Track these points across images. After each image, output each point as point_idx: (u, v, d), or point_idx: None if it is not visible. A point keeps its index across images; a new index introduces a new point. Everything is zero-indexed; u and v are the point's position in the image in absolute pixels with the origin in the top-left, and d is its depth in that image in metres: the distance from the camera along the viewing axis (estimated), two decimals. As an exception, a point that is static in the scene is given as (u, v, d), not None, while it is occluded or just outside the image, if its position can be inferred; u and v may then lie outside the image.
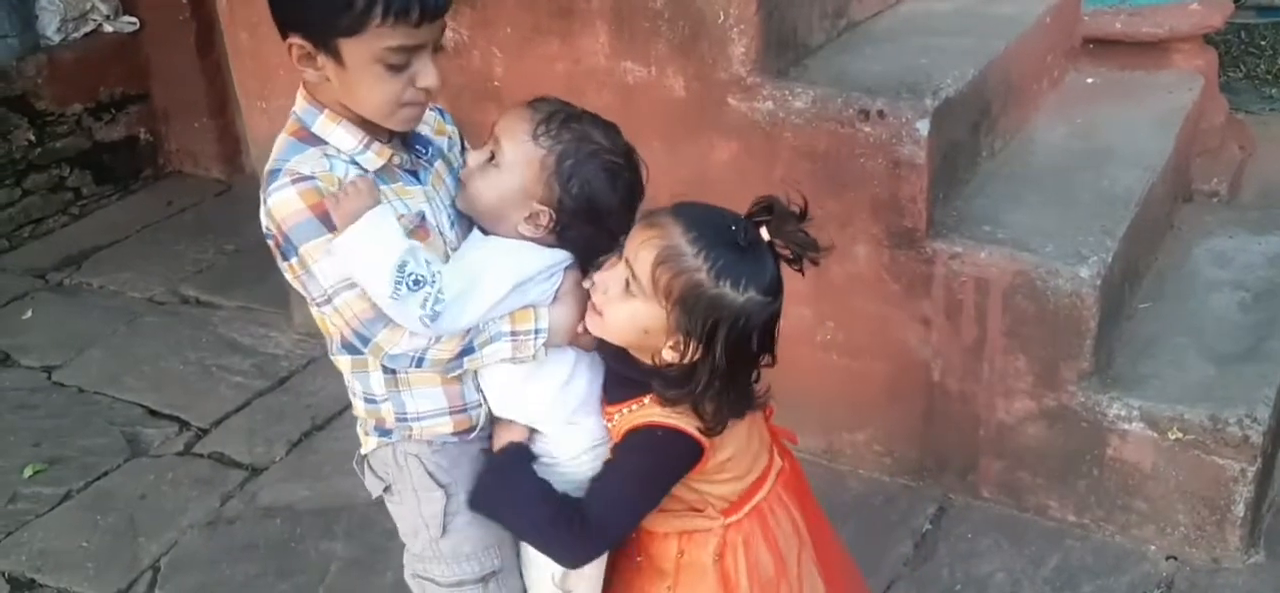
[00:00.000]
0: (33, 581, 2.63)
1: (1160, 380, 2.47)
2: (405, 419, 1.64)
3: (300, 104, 1.55)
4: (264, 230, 1.54)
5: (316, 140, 1.53)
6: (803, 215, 1.54)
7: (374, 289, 1.46)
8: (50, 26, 4.33)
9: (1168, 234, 2.99)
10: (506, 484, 1.64)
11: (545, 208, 1.56)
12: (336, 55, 1.46)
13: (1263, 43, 4.94)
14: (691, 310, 1.47)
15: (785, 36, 2.56)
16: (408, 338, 1.52)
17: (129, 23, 4.52)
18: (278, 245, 1.52)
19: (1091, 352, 2.42)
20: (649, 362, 1.56)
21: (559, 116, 1.56)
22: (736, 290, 1.47)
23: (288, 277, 1.57)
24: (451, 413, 1.64)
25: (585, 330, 1.60)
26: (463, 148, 1.73)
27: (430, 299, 1.47)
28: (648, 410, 1.56)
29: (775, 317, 1.54)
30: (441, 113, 1.74)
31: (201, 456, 3.01)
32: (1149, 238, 2.82)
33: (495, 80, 2.80)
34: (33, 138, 4.25)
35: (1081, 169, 2.76)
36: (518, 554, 1.75)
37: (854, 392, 2.68)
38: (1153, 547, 2.50)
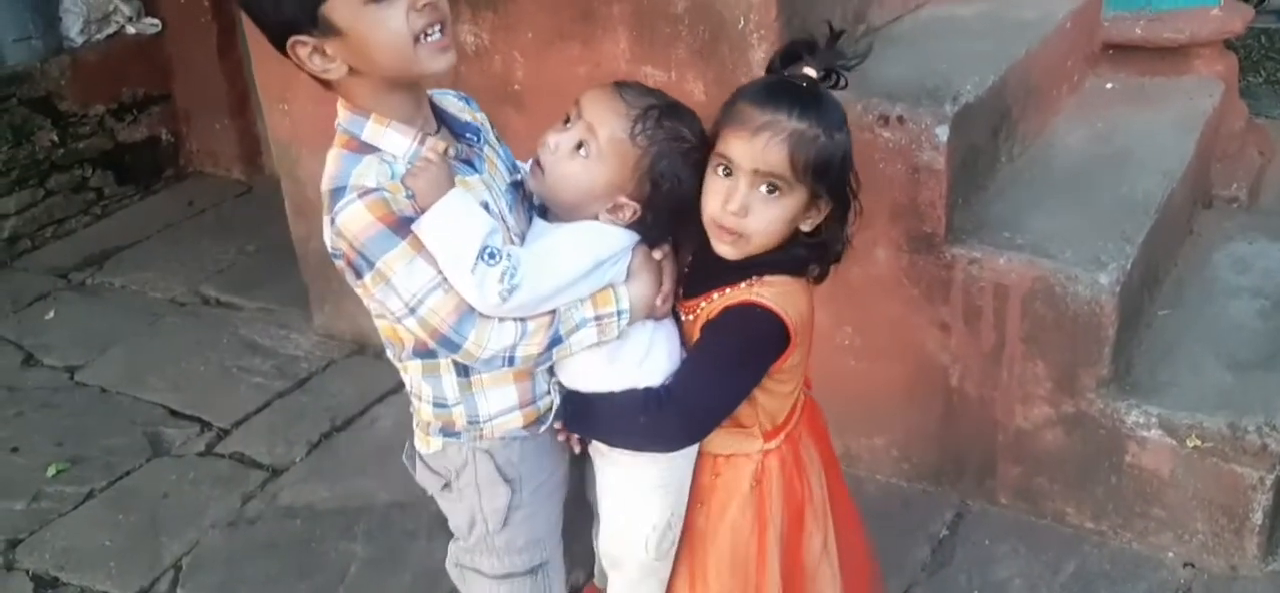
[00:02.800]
0: (56, 579, 2.65)
1: (1179, 387, 2.46)
2: (477, 421, 1.65)
3: (344, 116, 1.54)
4: (331, 251, 1.52)
5: (369, 148, 1.51)
6: (835, 36, 1.60)
7: (456, 266, 1.45)
8: (73, 28, 4.38)
9: (1187, 240, 2.99)
10: (585, 402, 1.67)
11: (633, 203, 1.56)
12: (330, 27, 1.44)
13: (1284, 47, 4.92)
14: (826, 173, 1.54)
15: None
16: (496, 336, 1.51)
17: (151, 24, 4.56)
18: (350, 264, 1.50)
19: (1110, 358, 2.41)
20: (781, 245, 1.59)
21: (655, 113, 1.56)
22: (836, 135, 1.55)
23: (362, 296, 1.56)
24: (521, 407, 1.65)
25: (664, 300, 1.62)
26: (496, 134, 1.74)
27: (507, 273, 1.47)
28: (746, 291, 1.59)
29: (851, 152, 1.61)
30: (467, 100, 1.72)
31: (222, 455, 3.04)
32: (1168, 244, 2.81)
33: (516, 84, 2.82)
34: (56, 139, 4.29)
35: (1101, 174, 2.76)
36: (564, 550, 1.77)
37: (872, 396, 2.69)
38: (1170, 554, 2.49)
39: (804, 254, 1.61)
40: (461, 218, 1.47)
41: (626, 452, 1.68)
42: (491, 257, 1.46)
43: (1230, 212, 3.21)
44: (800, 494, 1.75)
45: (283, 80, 3.20)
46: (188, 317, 3.72)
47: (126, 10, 4.50)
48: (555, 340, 1.55)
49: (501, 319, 1.50)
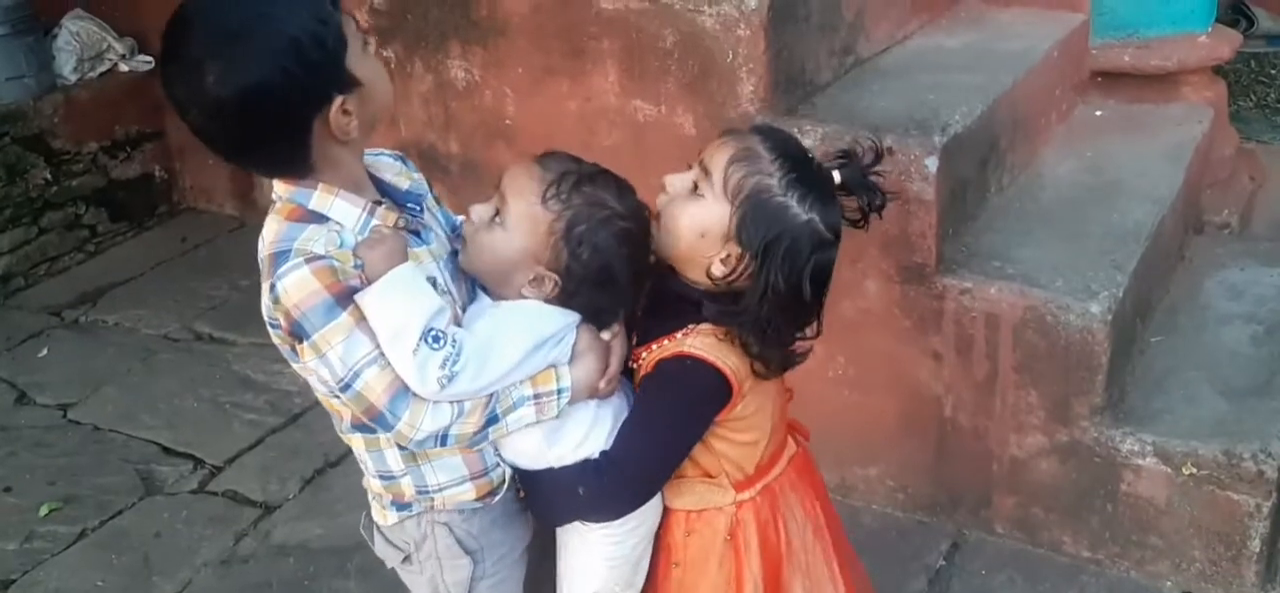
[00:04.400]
0: (48, 620, 2.64)
1: (1173, 415, 2.46)
2: (426, 491, 1.58)
3: (284, 189, 1.46)
4: (268, 319, 1.45)
5: (317, 217, 1.44)
6: (877, 158, 1.57)
7: (398, 345, 1.40)
8: (67, 66, 4.38)
9: (1179, 267, 2.99)
10: (529, 479, 1.63)
11: (551, 274, 1.51)
12: (353, 81, 1.41)
13: (1273, 72, 4.94)
14: (754, 216, 1.47)
15: (794, 74, 2.58)
16: (430, 418, 1.45)
17: (145, 62, 4.56)
18: (288, 331, 1.42)
19: (1103, 387, 2.41)
20: (698, 279, 1.55)
21: (571, 178, 1.50)
22: (801, 207, 1.48)
23: (296, 366, 1.49)
24: (473, 479, 1.59)
25: (608, 383, 1.57)
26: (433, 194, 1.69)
27: (450, 359, 1.41)
28: (679, 343, 1.55)
29: (829, 268, 1.53)
30: (402, 160, 1.66)
31: (215, 493, 3.02)
32: (1160, 271, 2.81)
33: (507, 119, 2.83)
34: (49, 176, 4.28)
35: (1091, 203, 2.76)
36: None
37: (866, 427, 2.68)
38: (1168, 583, 2.48)
39: (707, 304, 1.54)
40: (409, 295, 1.41)
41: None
42: (436, 340, 1.40)
43: (1222, 237, 3.22)
44: (778, 548, 1.69)
45: (275, 117, 3.20)
46: (181, 353, 3.71)
47: (119, 48, 4.51)
48: (491, 420, 1.50)
49: (435, 402, 1.45)
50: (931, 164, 2.40)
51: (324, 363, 1.42)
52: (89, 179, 4.42)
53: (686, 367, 1.54)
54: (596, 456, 1.58)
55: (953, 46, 2.99)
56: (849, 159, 1.57)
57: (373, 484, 1.63)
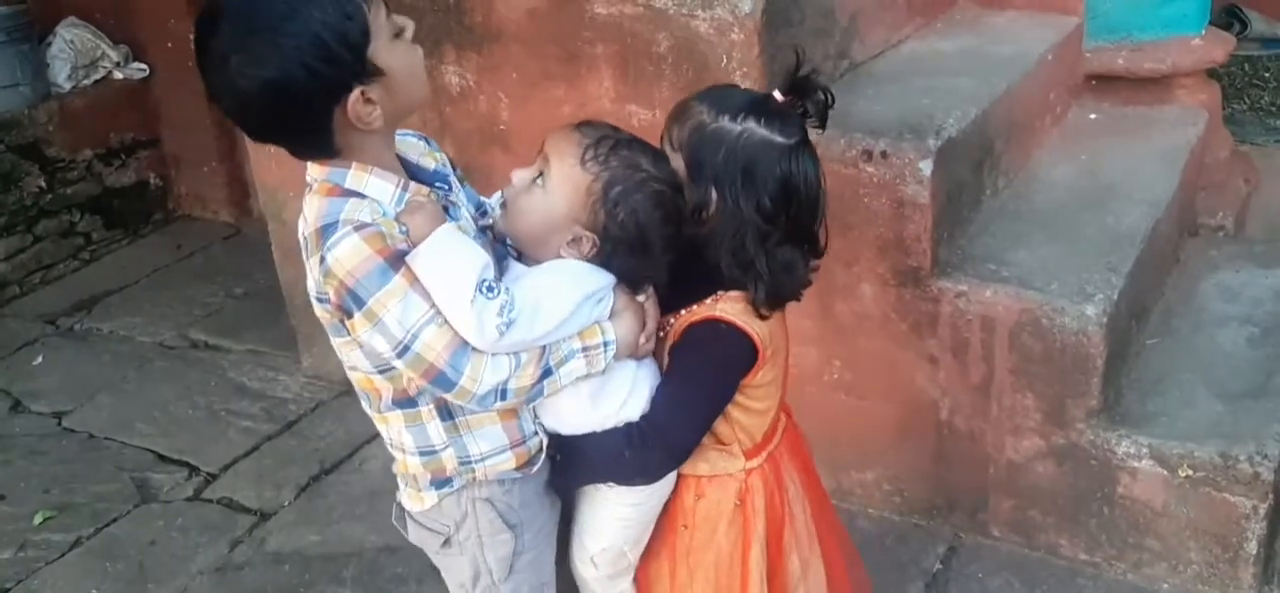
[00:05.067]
0: (42, 629, 2.63)
1: (1169, 417, 2.46)
2: (468, 462, 1.61)
3: (318, 171, 1.51)
4: (316, 295, 1.49)
5: (354, 195, 1.49)
6: (799, 62, 1.62)
7: (455, 297, 1.43)
8: (61, 74, 4.38)
9: (1174, 269, 2.99)
10: (567, 443, 1.66)
11: (589, 233, 1.54)
12: (376, 70, 1.43)
13: (1266, 74, 4.95)
14: (694, 151, 1.55)
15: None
16: (491, 370, 1.47)
17: (139, 69, 4.57)
18: (338, 305, 1.45)
19: (1099, 389, 2.41)
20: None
21: (609, 141, 1.55)
22: (733, 122, 1.54)
23: (341, 347, 1.53)
24: (512, 448, 1.62)
25: (647, 339, 1.61)
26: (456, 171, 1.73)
27: (506, 307, 1.45)
28: (708, 308, 1.59)
29: (791, 179, 1.55)
30: (426, 140, 1.70)
31: (211, 501, 3.02)
32: (1155, 274, 2.82)
33: (501, 124, 2.82)
34: (44, 184, 4.29)
35: (1086, 206, 2.76)
36: None
37: (862, 431, 2.68)
38: (1165, 585, 2.48)
39: (719, 257, 1.57)
40: (458, 249, 1.46)
41: None
42: (490, 289, 1.44)
43: (1216, 240, 3.22)
44: (781, 513, 1.75)
45: (270, 124, 3.20)
46: (176, 361, 3.70)
47: (114, 56, 4.51)
48: (546, 372, 1.52)
49: (495, 354, 1.48)
50: (926, 168, 2.40)
51: (379, 330, 1.44)
52: (84, 187, 4.42)
53: (718, 331, 1.59)
54: (637, 418, 1.62)
55: (947, 50, 2.99)
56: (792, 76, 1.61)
57: (410, 464, 1.63)
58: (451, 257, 1.45)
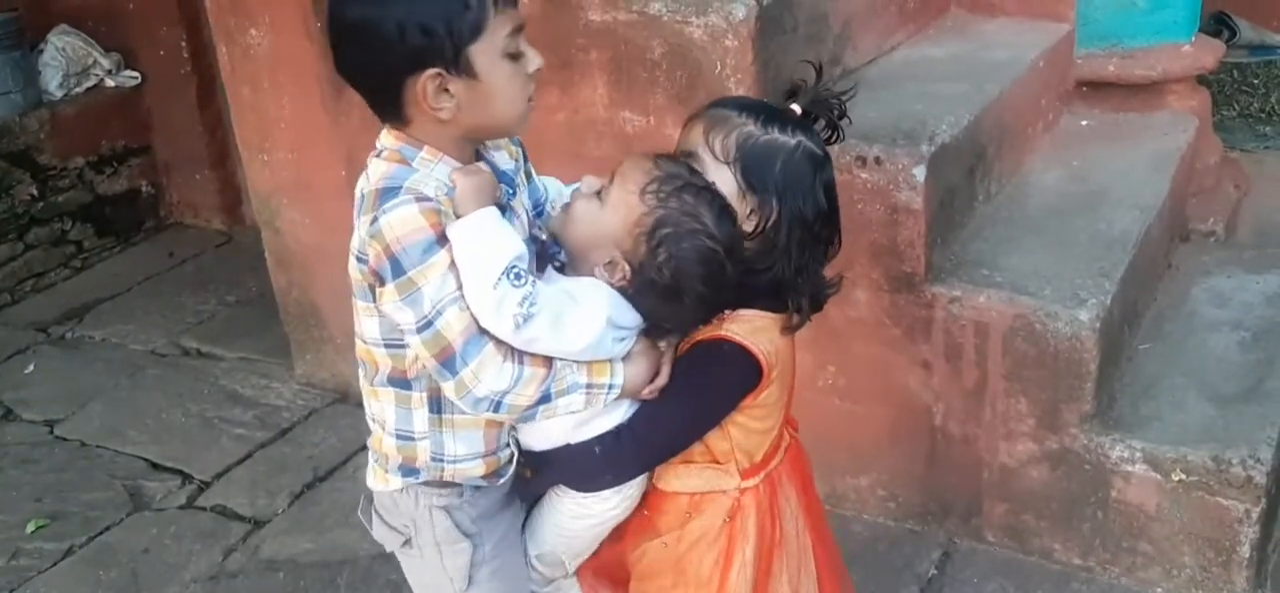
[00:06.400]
0: (34, 638, 2.62)
1: (1162, 422, 2.47)
2: (440, 460, 1.59)
3: (391, 140, 1.51)
4: (357, 254, 1.49)
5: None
6: (819, 74, 1.64)
7: (481, 276, 1.42)
8: (53, 82, 4.37)
9: (1165, 274, 3.01)
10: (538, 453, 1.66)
11: (625, 263, 1.52)
12: (469, 69, 1.43)
13: (1255, 81, 4.97)
14: (754, 162, 1.54)
15: (781, 85, 2.57)
16: (492, 374, 1.45)
17: (131, 77, 4.56)
18: (375, 269, 1.45)
19: (1092, 394, 2.42)
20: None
21: (676, 182, 1.52)
22: (785, 135, 1.56)
23: (366, 305, 1.52)
24: (485, 456, 1.61)
25: (651, 393, 1.59)
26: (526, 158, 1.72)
27: (528, 299, 1.43)
28: (715, 327, 1.59)
29: (832, 187, 1.60)
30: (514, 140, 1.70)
31: (204, 509, 3.01)
32: (1147, 279, 2.83)
33: (495, 131, 2.82)
34: (35, 192, 4.27)
35: (1078, 211, 2.78)
36: None
37: (856, 436, 2.69)
38: (1159, 589, 2.49)
39: (759, 274, 1.57)
40: (496, 230, 1.45)
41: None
42: (517, 277, 1.43)
43: (1207, 245, 3.23)
44: (771, 538, 1.72)
45: (262, 131, 3.20)
46: (168, 369, 3.69)
47: (106, 63, 4.51)
48: (544, 398, 1.50)
49: (503, 360, 1.46)
50: (919, 173, 2.41)
51: (410, 301, 1.44)
52: (75, 195, 4.41)
53: (724, 351, 1.58)
54: (611, 431, 1.61)
55: (939, 57, 3.01)
56: (797, 92, 1.64)
57: (385, 444, 1.62)
58: (488, 235, 1.44)
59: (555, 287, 1.52)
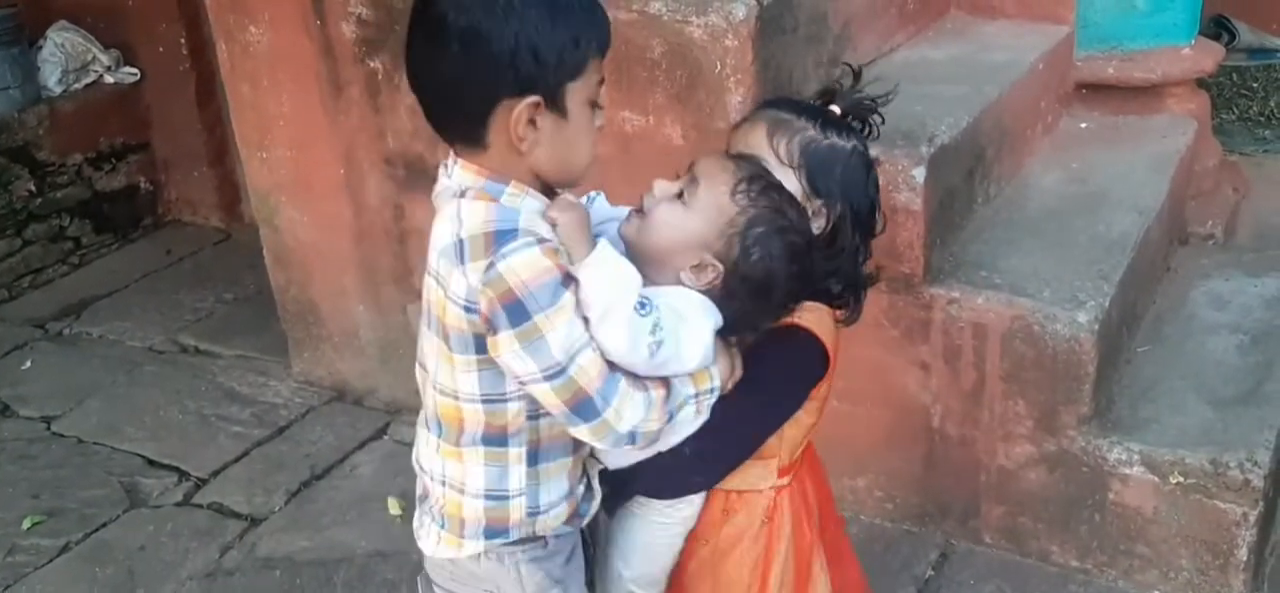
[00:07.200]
0: (30, 635, 2.62)
1: (1160, 424, 2.47)
2: (537, 512, 1.53)
3: (472, 178, 1.43)
4: (463, 301, 1.39)
5: (510, 212, 1.43)
6: (856, 77, 1.68)
7: (616, 312, 1.39)
8: (52, 78, 4.36)
9: (1164, 277, 3.01)
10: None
11: (716, 263, 1.49)
12: (562, 106, 1.40)
13: (1254, 85, 4.98)
14: (819, 166, 1.59)
15: (781, 85, 2.58)
16: (630, 409, 1.42)
17: (130, 74, 4.55)
18: (488, 317, 1.37)
19: (1091, 396, 2.42)
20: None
21: (762, 181, 1.52)
22: (842, 139, 1.62)
23: (466, 358, 1.43)
24: (567, 499, 1.56)
25: (731, 387, 1.58)
26: None
27: (657, 326, 1.41)
28: (787, 315, 1.59)
29: (878, 186, 1.67)
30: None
31: (201, 506, 3.00)
32: (1146, 281, 2.83)
33: (494, 130, 2.82)
34: (33, 188, 4.26)
35: (1077, 213, 2.78)
36: None
37: (854, 437, 2.68)
38: (1156, 592, 2.48)
39: (828, 269, 1.59)
40: (617, 264, 1.42)
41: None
42: (643, 306, 1.40)
43: (1206, 248, 3.23)
44: (809, 538, 1.73)
45: (261, 129, 3.19)
46: (165, 366, 3.69)
47: (105, 60, 4.50)
48: (670, 417, 1.48)
49: (635, 392, 1.43)
50: (919, 175, 2.41)
51: (534, 348, 1.37)
52: (73, 191, 4.40)
53: (799, 339, 1.59)
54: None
55: (939, 58, 3.01)
56: (834, 93, 1.68)
57: (467, 507, 1.53)
58: (615, 269, 1.41)
59: (662, 304, 1.48)
